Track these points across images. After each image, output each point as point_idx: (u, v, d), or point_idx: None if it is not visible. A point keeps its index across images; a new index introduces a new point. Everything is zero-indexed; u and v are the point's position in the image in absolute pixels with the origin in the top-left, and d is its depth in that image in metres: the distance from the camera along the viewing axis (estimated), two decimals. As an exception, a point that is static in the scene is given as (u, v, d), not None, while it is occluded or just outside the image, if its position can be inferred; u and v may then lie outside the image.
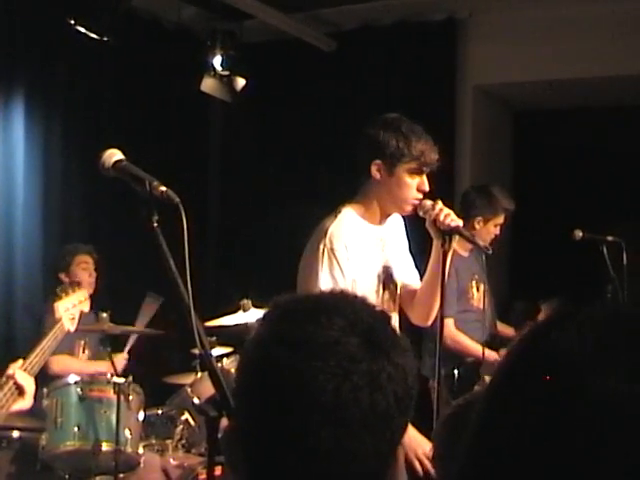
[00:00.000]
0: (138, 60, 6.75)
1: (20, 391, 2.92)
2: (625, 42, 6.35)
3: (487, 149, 7.43)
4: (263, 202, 7.62)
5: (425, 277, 3.73)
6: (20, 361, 3.01)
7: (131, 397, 4.68)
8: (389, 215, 3.68)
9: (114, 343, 5.20)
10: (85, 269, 5.69)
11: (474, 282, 5.70)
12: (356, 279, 3.46)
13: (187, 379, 5.33)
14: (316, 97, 7.42)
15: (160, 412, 5.17)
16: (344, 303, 1.41)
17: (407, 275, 3.81)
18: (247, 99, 7.23)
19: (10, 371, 2.92)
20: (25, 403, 2.96)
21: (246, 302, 5.11)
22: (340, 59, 7.38)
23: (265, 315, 1.45)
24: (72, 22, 5.67)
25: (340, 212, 3.58)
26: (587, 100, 7.20)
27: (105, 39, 5.76)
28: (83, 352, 5.59)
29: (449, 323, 5.52)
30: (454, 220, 3.49)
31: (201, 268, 2.43)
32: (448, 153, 6.93)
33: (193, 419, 5.01)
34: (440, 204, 3.52)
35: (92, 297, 5.76)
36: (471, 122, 7.16)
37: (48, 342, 3.18)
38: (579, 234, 5.65)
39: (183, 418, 5.03)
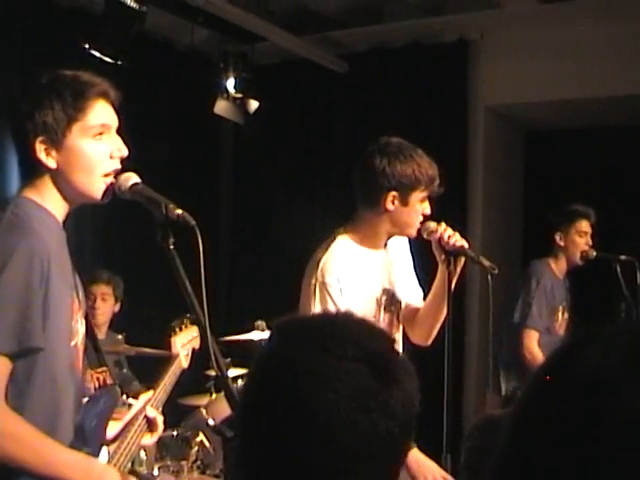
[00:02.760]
0: (151, 82, 6.80)
1: (150, 426, 2.80)
2: (637, 61, 6.36)
3: (499, 169, 7.43)
4: (275, 222, 7.64)
5: (429, 298, 3.74)
6: (151, 392, 2.92)
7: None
8: (390, 239, 3.69)
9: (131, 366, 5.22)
10: (89, 299, 5.59)
11: (561, 307, 5.75)
12: (351, 309, 3.41)
13: (202, 400, 5.33)
14: (328, 118, 7.45)
15: (175, 433, 5.17)
16: (348, 328, 1.42)
17: (410, 294, 3.82)
18: (259, 120, 7.26)
19: (140, 404, 2.82)
20: (152, 440, 2.85)
21: (260, 323, 5.12)
22: (352, 80, 7.41)
23: (269, 339, 1.46)
24: (86, 46, 5.72)
25: (334, 241, 3.55)
26: (599, 119, 7.20)
27: (119, 62, 5.81)
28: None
29: (533, 335, 5.57)
30: (458, 240, 3.49)
31: (213, 287, 2.45)
32: (460, 173, 6.98)
33: (208, 440, 5.01)
34: (444, 225, 3.53)
35: (109, 326, 5.81)
36: (483, 142, 7.16)
37: (169, 379, 3.09)
38: (592, 253, 5.67)
39: (198, 439, 5.03)
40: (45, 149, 2.38)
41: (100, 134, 2.45)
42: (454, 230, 3.53)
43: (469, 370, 6.90)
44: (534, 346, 5.55)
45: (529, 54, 6.86)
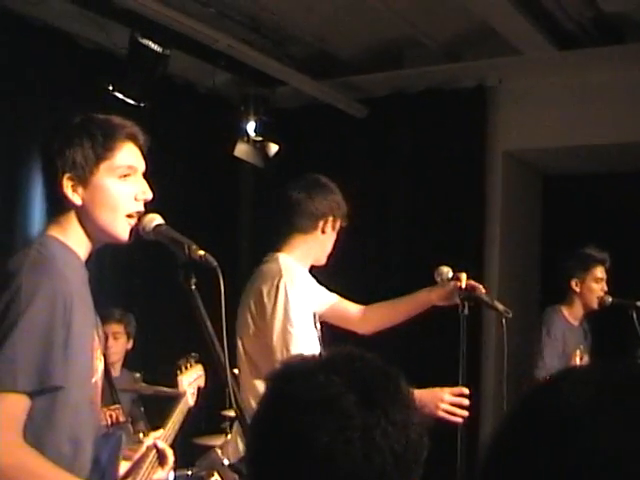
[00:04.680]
0: (173, 124, 6.87)
1: (161, 461, 2.81)
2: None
3: (517, 214, 7.46)
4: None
5: (400, 308, 3.99)
6: (161, 430, 2.95)
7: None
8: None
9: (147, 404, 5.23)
10: (105, 338, 5.61)
11: (578, 351, 5.72)
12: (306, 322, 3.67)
13: (217, 440, 5.34)
14: (347, 162, 7.49)
15: (190, 473, 5.17)
16: (344, 361, 1.47)
17: (329, 297, 4.10)
18: (279, 164, 7.31)
19: (150, 441, 2.82)
20: (163, 474, 2.84)
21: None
22: (371, 125, 7.47)
23: (270, 374, 1.52)
24: (110, 87, 5.81)
25: (276, 259, 3.83)
26: (616, 165, 7.23)
27: (142, 104, 5.89)
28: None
29: None
30: (472, 285, 3.58)
31: (231, 332, 2.56)
32: (478, 218, 7.02)
33: (223, 480, 5.01)
34: (464, 275, 3.66)
35: (123, 364, 5.81)
36: (501, 187, 7.20)
37: (177, 417, 3.15)
38: (609, 299, 5.66)
39: (213, 479, 5.03)
40: (72, 185, 2.43)
41: (126, 175, 2.50)
42: (470, 271, 3.62)
43: (485, 414, 6.88)
44: None
45: (547, 100, 6.92)
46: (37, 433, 2.27)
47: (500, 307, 3.54)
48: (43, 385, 2.25)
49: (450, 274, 3.71)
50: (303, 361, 1.52)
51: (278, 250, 3.86)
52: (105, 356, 2.67)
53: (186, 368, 3.42)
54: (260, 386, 3.59)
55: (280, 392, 1.46)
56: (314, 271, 4.02)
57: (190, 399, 3.35)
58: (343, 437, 1.36)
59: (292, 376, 1.46)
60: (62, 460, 2.31)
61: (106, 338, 5.59)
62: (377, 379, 1.45)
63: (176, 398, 3.34)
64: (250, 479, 1.47)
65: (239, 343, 3.78)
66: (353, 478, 1.36)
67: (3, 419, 2.18)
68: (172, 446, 2.94)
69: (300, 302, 3.60)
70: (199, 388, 3.47)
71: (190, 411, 3.36)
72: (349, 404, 1.38)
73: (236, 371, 3.78)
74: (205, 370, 3.68)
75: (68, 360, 2.31)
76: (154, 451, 2.81)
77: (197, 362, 3.58)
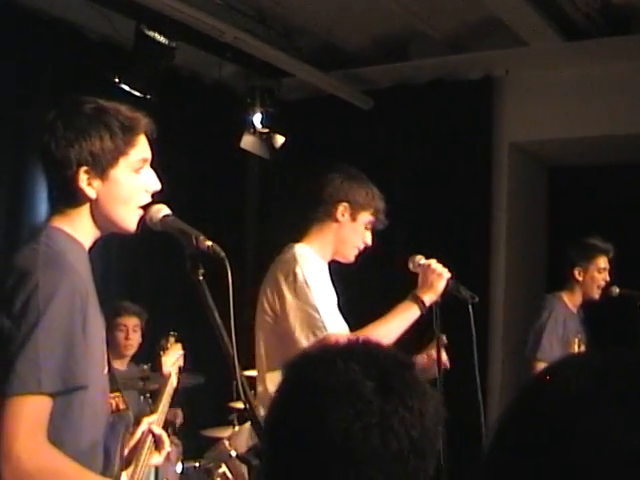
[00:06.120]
0: (179, 116, 6.88)
1: (157, 446, 2.82)
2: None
3: (523, 205, 7.45)
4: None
5: (388, 322, 3.59)
6: (155, 415, 2.96)
7: (170, 449, 4.71)
8: (332, 259, 3.83)
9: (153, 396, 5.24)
10: (122, 331, 5.63)
11: (577, 339, 5.72)
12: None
13: (225, 432, 5.35)
14: (353, 154, 7.48)
15: (198, 464, 5.19)
16: (362, 349, 1.50)
17: (344, 324, 3.73)
18: (285, 155, 7.31)
19: (144, 426, 2.81)
20: (160, 458, 2.86)
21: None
22: (377, 116, 7.47)
23: (289, 362, 1.54)
24: (116, 80, 5.81)
25: (295, 248, 3.68)
26: (621, 156, 7.22)
27: (148, 96, 5.89)
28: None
29: (540, 367, 5.52)
30: (446, 271, 3.59)
31: (239, 323, 2.53)
32: (485, 209, 7.00)
33: (230, 472, 5.03)
34: (434, 261, 3.63)
35: (133, 357, 5.81)
36: (507, 179, 7.19)
37: (166, 400, 3.16)
38: (616, 290, 5.65)
39: (220, 471, 5.04)
40: (88, 179, 2.36)
41: (140, 168, 2.46)
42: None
43: (490, 412, 6.87)
44: None
45: (554, 91, 6.91)
46: (56, 432, 2.24)
47: (464, 293, 3.51)
48: (67, 386, 2.22)
49: (423, 260, 3.69)
50: (322, 349, 1.55)
51: (296, 241, 3.75)
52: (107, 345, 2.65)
53: (167, 348, 3.43)
54: (277, 378, 3.52)
55: (298, 378, 1.48)
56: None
57: (175, 380, 3.36)
58: (361, 422, 1.38)
59: (311, 362, 1.49)
60: (81, 457, 2.29)
61: (127, 331, 5.61)
62: (394, 368, 1.47)
63: (162, 381, 3.35)
64: (267, 464, 1.49)
65: (257, 337, 3.69)
66: (370, 463, 1.38)
67: (29, 421, 2.15)
68: (165, 429, 2.97)
69: (320, 286, 3.53)
70: (180, 368, 3.48)
71: (175, 392, 3.36)
72: (367, 390, 1.40)
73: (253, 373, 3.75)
74: (184, 349, 3.70)
75: (87, 357, 2.29)
76: (150, 436, 2.81)
77: (176, 341, 3.58)
